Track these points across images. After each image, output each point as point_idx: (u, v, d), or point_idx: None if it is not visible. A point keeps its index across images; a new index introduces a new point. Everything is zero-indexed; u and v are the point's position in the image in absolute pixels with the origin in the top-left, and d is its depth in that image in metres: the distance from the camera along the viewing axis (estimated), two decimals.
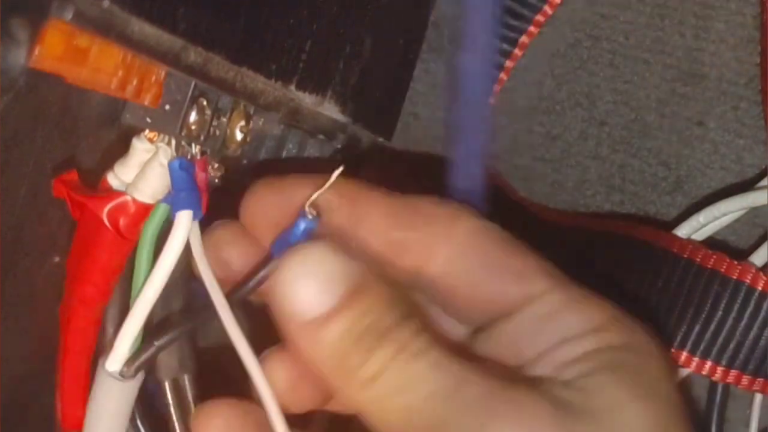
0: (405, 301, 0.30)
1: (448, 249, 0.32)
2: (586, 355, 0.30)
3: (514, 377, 0.29)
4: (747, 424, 0.41)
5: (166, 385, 0.35)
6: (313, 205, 0.31)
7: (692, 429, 0.30)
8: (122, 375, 0.31)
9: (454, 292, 0.32)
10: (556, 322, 0.31)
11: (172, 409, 0.35)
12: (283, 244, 0.31)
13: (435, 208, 0.32)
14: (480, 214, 0.33)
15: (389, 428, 0.29)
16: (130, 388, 0.32)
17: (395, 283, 0.31)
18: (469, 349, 0.32)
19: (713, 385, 0.40)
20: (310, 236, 0.31)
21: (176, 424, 0.36)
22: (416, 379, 0.28)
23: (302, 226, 0.31)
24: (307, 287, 0.29)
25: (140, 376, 0.32)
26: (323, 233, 0.31)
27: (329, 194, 0.31)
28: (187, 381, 0.35)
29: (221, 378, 0.34)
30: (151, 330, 0.32)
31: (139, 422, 0.35)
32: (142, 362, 0.31)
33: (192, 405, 0.36)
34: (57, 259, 0.32)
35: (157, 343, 0.31)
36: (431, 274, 0.32)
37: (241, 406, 0.32)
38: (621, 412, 0.29)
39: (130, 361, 0.31)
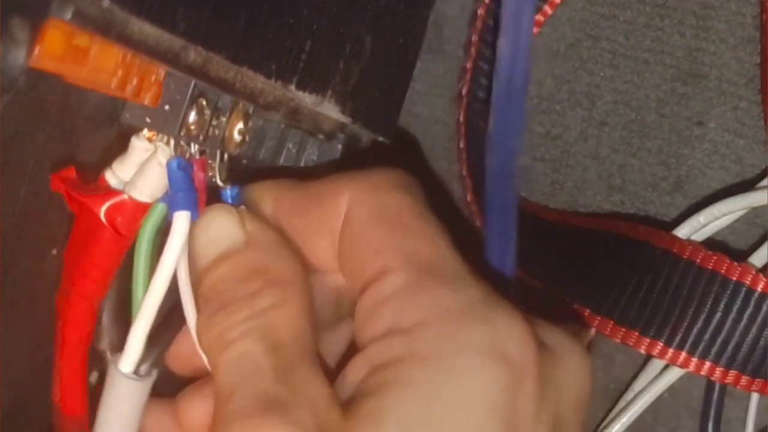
0: (270, 272, 0.30)
1: (332, 229, 0.31)
2: (390, 363, 0.28)
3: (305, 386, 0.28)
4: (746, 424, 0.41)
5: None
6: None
7: None
8: (138, 374, 0.31)
9: (340, 269, 0.31)
10: (389, 308, 0.29)
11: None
12: None
13: (321, 188, 0.32)
14: (371, 179, 0.31)
15: None
16: (145, 387, 0.32)
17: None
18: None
19: (710, 384, 0.40)
20: (238, 203, 0.33)
21: None
22: (219, 367, 0.29)
23: (227, 196, 0.33)
24: (196, 244, 0.31)
25: (154, 373, 0.32)
26: None
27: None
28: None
29: None
30: (154, 327, 0.32)
31: None
32: (156, 358, 0.32)
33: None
34: (54, 251, 0.32)
35: (167, 338, 0.32)
36: (327, 255, 0.32)
37: None
38: None
39: (142, 360, 0.31)
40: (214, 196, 0.33)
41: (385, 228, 0.30)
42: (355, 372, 0.29)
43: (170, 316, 0.32)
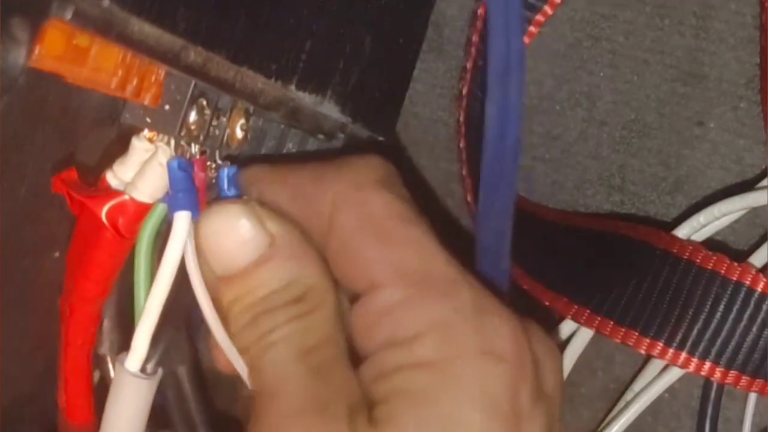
0: (303, 280, 0.31)
1: (318, 228, 0.32)
2: (394, 371, 0.30)
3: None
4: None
5: (164, 377, 0.35)
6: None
7: None
8: (145, 372, 0.31)
9: (331, 267, 0.32)
10: (385, 322, 0.30)
11: (170, 401, 0.36)
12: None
13: (305, 186, 0.32)
14: (353, 177, 0.32)
15: None
16: (152, 385, 0.32)
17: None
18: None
19: (708, 384, 0.40)
20: (234, 182, 0.33)
21: (174, 415, 0.36)
22: (257, 369, 0.31)
23: (224, 175, 0.33)
24: (220, 246, 0.31)
25: (160, 371, 0.32)
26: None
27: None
28: (184, 372, 0.36)
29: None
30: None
31: None
32: (160, 355, 0.32)
33: (190, 395, 0.36)
34: (57, 254, 0.32)
35: (167, 334, 0.32)
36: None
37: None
38: None
39: (148, 359, 0.31)
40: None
41: (371, 237, 0.31)
42: (363, 378, 0.30)
43: (170, 315, 0.32)
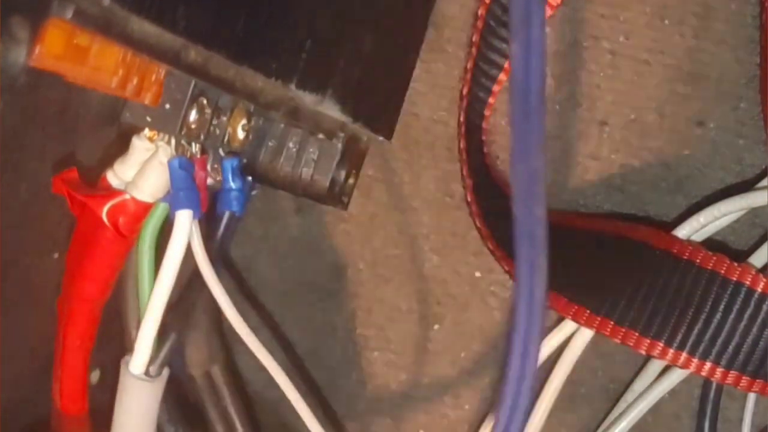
0: None
1: None
2: None
3: None
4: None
5: (199, 378, 0.35)
6: None
7: None
8: (149, 375, 0.31)
9: None
10: None
11: (205, 400, 0.36)
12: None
13: None
14: None
15: None
16: (158, 387, 0.32)
17: None
18: None
19: (707, 384, 0.40)
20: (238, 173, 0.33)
21: (211, 413, 0.36)
22: None
23: (228, 166, 0.33)
24: None
25: (165, 372, 0.32)
26: None
27: None
28: (218, 371, 0.36)
29: None
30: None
31: (168, 415, 0.35)
32: (165, 357, 0.32)
33: (226, 393, 0.36)
34: (56, 255, 0.32)
35: (173, 335, 0.32)
36: None
37: None
38: None
39: (152, 360, 0.31)
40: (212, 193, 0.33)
41: None
42: None
43: (176, 314, 0.32)
